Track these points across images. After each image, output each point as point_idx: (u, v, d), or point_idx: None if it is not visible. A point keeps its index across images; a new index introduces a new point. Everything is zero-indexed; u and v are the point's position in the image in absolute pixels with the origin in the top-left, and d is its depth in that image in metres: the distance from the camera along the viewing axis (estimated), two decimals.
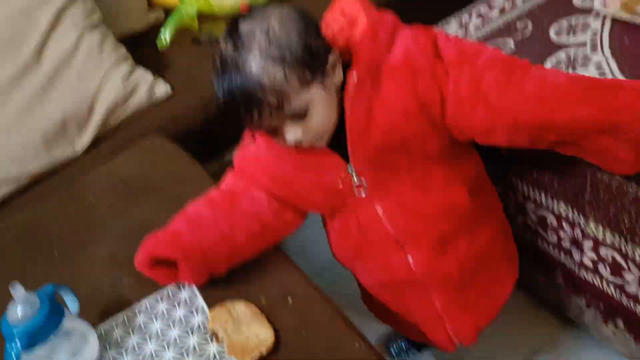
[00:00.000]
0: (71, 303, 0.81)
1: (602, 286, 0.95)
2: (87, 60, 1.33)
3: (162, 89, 1.38)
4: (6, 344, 0.72)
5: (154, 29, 1.63)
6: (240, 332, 0.76)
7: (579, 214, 0.91)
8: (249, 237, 0.84)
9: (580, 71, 1.00)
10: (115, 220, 1.04)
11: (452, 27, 1.26)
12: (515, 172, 0.99)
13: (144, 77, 1.37)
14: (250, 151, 0.86)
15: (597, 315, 1.01)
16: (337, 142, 0.78)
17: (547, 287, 1.10)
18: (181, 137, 1.30)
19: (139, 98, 1.35)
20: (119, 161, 1.21)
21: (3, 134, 1.27)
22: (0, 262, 1.04)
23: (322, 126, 0.76)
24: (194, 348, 0.77)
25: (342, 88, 0.76)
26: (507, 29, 1.17)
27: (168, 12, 1.69)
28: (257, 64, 0.70)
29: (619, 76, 0.96)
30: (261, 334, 0.75)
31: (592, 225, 0.89)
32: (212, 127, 1.32)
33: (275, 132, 0.76)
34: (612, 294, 0.94)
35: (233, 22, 0.73)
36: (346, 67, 0.76)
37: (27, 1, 1.33)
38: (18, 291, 0.73)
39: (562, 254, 1.01)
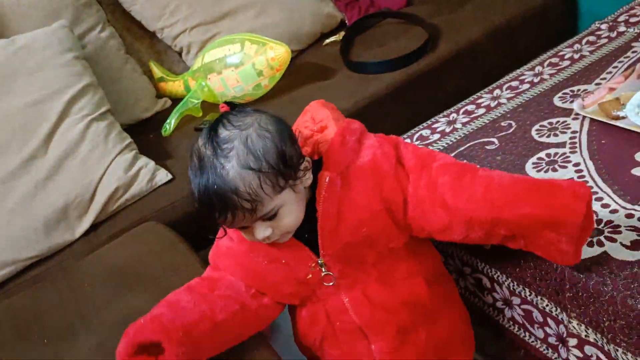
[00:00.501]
0: None
1: None
2: (92, 149, 1.40)
3: (162, 176, 1.43)
4: None
5: (160, 114, 1.72)
6: None
7: (561, 311, 0.92)
8: (230, 315, 0.87)
9: (561, 171, 1.04)
10: (109, 309, 1.06)
11: (440, 123, 1.32)
12: (500, 268, 1.01)
13: (146, 166, 1.43)
14: (224, 245, 0.91)
15: None
16: (308, 235, 0.84)
17: None
18: (179, 223, 1.34)
19: (140, 186, 1.40)
20: (115, 248, 1.25)
21: (6, 218, 1.31)
22: None
23: (291, 225, 0.82)
24: None
25: (311, 187, 0.83)
26: (492, 128, 1.23)
27: (174, 99, 1.78)
28: (234, 171, 0.75)
29: (597, 177, 1.00)
30: None
31: (574, 323, 0.90)
32: None
33: (244, 229, 0.81)
34: None
35: (214, 126, 0.79)
36: (315, 169, 0.83)
37: (41, 93, 1.42)
38: None
39: (550, 350, 1.01)
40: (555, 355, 0.99)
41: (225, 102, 0.85)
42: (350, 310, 0.90)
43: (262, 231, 0.80)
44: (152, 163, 1.45)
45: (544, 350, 1.02)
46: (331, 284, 0.88)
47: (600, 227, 0.90)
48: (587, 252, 0.87)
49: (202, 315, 0.86)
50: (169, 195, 1.42)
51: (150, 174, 1.41)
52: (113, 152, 1.41)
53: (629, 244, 0.86)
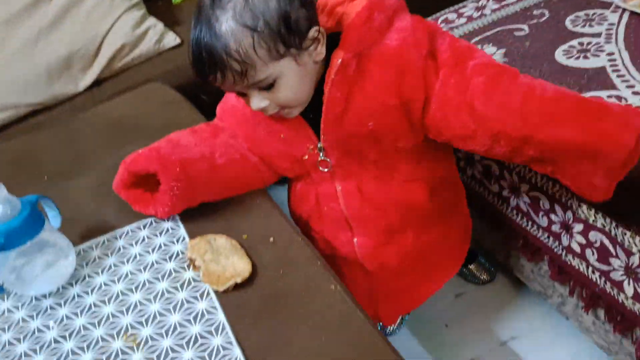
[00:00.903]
0: (53, 217, 0.80)
1: (587, 273, 0.94)
2: (99, 2, 1.33)
3: (171, 39, 1.37)
4: None
5: None
6: (218, 262, 0.75)
7: (572, 196, 0.90)
8: (229, 162, 0.84)
9: (592, 59, 0.99)
10: (107, 154, 1.03)
11: (468, 8, 1.25)
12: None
13: (154, 26, 1.37)
14: (230, 101, 0.86)
15: (579, 304, 1.00)
16: (314, 115, 0.77)
17: (532, 273, 1.09)
18: (185, 87, 1.29)
19: (147, 46, 1.35)
20: (119, 102, 1.21)
21: (8, 63, 1.27)
22: None
23: (289, 100, 0.73)
24: (170, 273, 0.76)
25: (325, 64, 0.74)
26: (523, 15, 1.17)
27: None
28: (227, 26, 0.67)
29: (630, 67, 0.95)
30: (239, 266, 0.74)
31: (584, 207, 0.88)
32: None
33: (242, 95, 0.75)
34: (597, 281, 0.93)
35: None
36: (331, 45, 0.73)
37: None
38: (0, 191, 0.72)
39: (551, 239, 1.00)
40: (556, 243, 0.98)
41: None
42: (340, 199, 0.86)
43: (257, 101, 0.72)
44: (160, 24, 1.39)
45: (545, 239, 1.01)
46: (327, 170, 0.83)
47: None
48: None
49: (201, 155, 0.82)
50: (176, 59, 1.37)
51: (158, 35, 1.36)
52: (121, 8, 1.34)
53: None
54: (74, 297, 0.76)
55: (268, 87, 0.71)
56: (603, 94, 0.91)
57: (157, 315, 0.71)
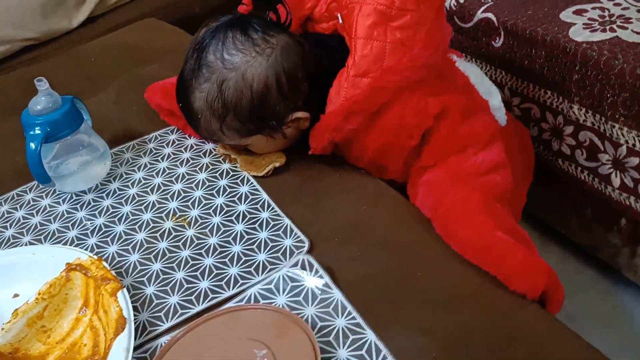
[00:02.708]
0: (87, 118, 0.83)
1: (577, 172, 1.04)
2: None
3: None
4: (26, 134, 0.73)
5: None
6: (251, 153, 0.79)
7: (563, 100, 0.99)
8: None
9: None
10: (119, 75, 1.06)
11: None
12: (504, 65, 1.06)
13: None
14: None
15: (569, 206, 1.10)
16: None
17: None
18: (178, 25, 1.31)
19: None
20: (119, 33, 1.22)
21: None
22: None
23: (263, 152, 0.78)
24: (207, 166, 0.80)
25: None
26: None
27: None
28: (199, 105, 0.70)
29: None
30: (272, 155, 0.78)
31: (575, 108, 0.97)
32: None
33: None
34: (585, 180, 1.03)
35: (204, 38, 0.69)
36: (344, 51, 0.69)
37: None
38: (43, 85, 0.74)
39: (541, 147, 1.08)
40: (547, 150, 1.07)
41: None
42: None
43: (227, 142, 0.76)
44: None
45: (535, 148, 1.09)
46: None
47: (612, 19, 0.95)
48: (599, 37, 0.92)
49: None
50: None
51: None
52: None
53: (639, 31, 0.91)
54: (114, 191, 0.79)
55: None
56: (587, 6, 1.00)
57: (202, 199, 0.75)
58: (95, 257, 0.65)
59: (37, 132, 0.73)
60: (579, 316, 1.06)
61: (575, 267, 1.18)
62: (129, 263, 0.68)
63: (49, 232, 0.74)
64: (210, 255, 0.67)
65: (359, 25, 0.67)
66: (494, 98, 0.83)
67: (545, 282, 0.58)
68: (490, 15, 1.04)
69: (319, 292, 0.59)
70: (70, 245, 0.71)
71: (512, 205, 0.74)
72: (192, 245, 0.68)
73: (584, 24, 0.96)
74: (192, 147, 0.85)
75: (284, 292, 0.60)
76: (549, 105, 1.02)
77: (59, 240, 0.72)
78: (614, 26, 0.93)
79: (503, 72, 1.08)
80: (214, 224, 0.71)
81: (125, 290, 0.61)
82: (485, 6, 1.06)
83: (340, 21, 0.74)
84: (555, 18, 0.98)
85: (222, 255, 0.67)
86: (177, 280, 0.64)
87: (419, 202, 0.69)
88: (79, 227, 0.74)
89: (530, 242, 0.65)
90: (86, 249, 0.69)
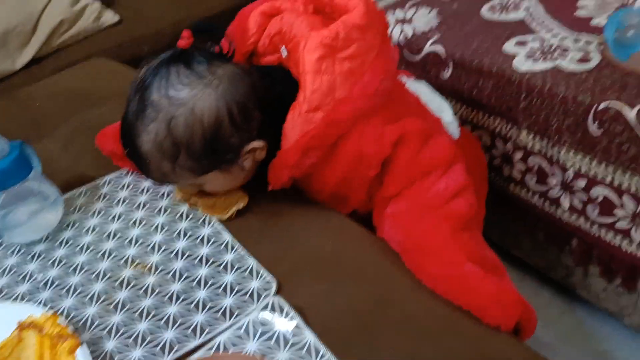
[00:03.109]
0: (36, 164, 0.79)
1: (528, 197, 1.07)
2: None
3: (109, 16, 1.37)
4: None
5: None
6: (210, 196, 0.77)
7: (512, 126, 1.02)
8: None
9: (512, 14, 1.12)
10: (67, 118, 1.02)
11: None
12: (454, 92, 1.09)
13: (91, 4, 1.36)
14: None
15: (521, 229, 1.13)
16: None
17: None
18: (127, 65, 1.29)
19: (86, 23, 1.34)
20: (65, 74, 1.19)
21: None
22: None
23: (220, 191, 0.75)
24: (165, 209, 0.78)
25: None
26: None
27: None
28: (148, 148, 0.66)
29: (546, 17, 1.10)
30: (233, 196, 0.77)
31: (523, 134, 1.01)
32: None
33: None
34: (536, 204, 1.06)
35: (145, 77, 0.66)
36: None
37: None
38: None
39: (492, 173, 1.11)
40: (499, 176, 1.10)
41: (193, 26, 0.68)
42: None
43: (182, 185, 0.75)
44: (97, 3, 1.38)
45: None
46: None
47: (551, 50, 1.00)
48: (541, 66, 0.96)
49: None
50: (116, 37, 1.36)
51: (96, 12, 1.35)
52: None
53: (577, 60, 0.96)
54: (68, 240, 0.75)
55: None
56: (527, 37, 1.04)
57: (162, 244, 0.72)
58: (50, 312, 0.62)
59: None
60: (539, 335, 1.08)
61: (532, 288, 1.21)
62: (86, 317, 0.64)
63: None
64: (174, 302, 0.64)
65: (306, 60, 0.67)
66: (445, 113, 0.84)
67: (519, 314, 0.58)
68: (437, 48, 1.08)
69: (291, 335, 0.58)
70: (22, 301, 0.67)
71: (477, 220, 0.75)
72: (154, 293, 0.66)
73: (526, 54, 1.00)
74: (148, 189, 0.82)
75: (254, 337, 0.59)
76: (499, 132, 1.06)
77: (8, 296, 0.68)
78: (554, 56, 0.98)
79: (453, 102, 1.11)
80: (176, 269, 0.69)
81: (84, 346, 0.58)
82: (433, 40, 1.09)
83: (285, 54, 0.74)
84: (499, 49, 1.02)
85: (187, 301, 0.64)
86: (140, 331, 0.62)
87: (386, 235, 0.69)
88: (30, 280, 0.70)
89: (500, 268, 0.66)
90: (39, 305, 0.66)
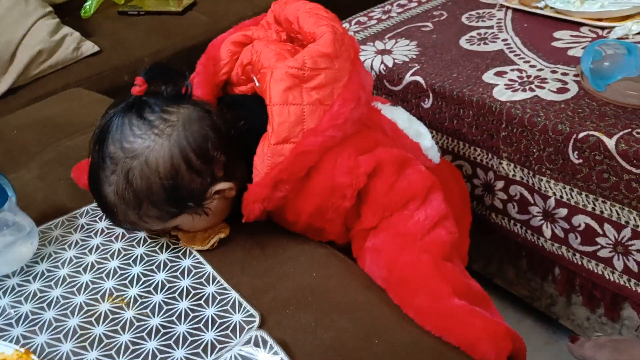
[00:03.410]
0: (11, 194, 0.77)
1: (510, 225, 1.07)
2: (11, 7, 1.29)
3: (89, 46, 1.36)
4: None
5: (77, 1, 1.62)
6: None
7: (493, 156, 1.03)
8: None
9: (491, 45, 1.15)
10: (43, 148, 1.00)
11: (376, 12, 1.38)
12: (433, 122, 1.10)
13: (71, 34, 1.36)
14: None
15: (505, 258, 1.13)
16: None
17: None
18: (106, 94, 1.28)
19: (65, 53, 1.32)
20: (42, 104, 1.17)
21: None
22: None
23: (194, 230, 0.74)
24: (145, 240, 0.76)
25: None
26: (425, 15, 1.33)
27: None
28: (112, 199, 0.66)
29: (523, 48, 1.12)
30: (217, 225, 0.75)
31: (504, 163, 1.01)
32: None
33: None
34: (518, 232, 1.06)
35: (102, 128, 0.66)
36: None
37: None
38: None
39: (474, 202, 1.12)
40: (480, 205, 1.10)
41: (145, 72, 0.68)
42: None
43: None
44: (77, 33, 1.37)
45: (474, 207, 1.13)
46: None
47: (530, 80, 1.01)
48: (521, 96, 0.98)
49: None
50: (95, 67, 1.35)
51: (75, 42, 1.34)
52: (34, 15, 1.31)
53: (555, 90, 0.98)
54: (42, 273, 0.73)
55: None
56: (506, 68, 1.06)
57: (141, 276, 0.70)
58: (22, 349, 0.59)
59: None
60: None
61: (514, 317, 1.20)
62: (61, 354, 0.62)
63: None
64: (152, 338, 0.62)
65: (273, 92, 0.66)
66: (424, 138, 0.82)
67: (509, 348, 0.57)
68: (418, 78, 1.09)
69: None
70: None
71: (459, 249, 0.74)
72: (132, 328, 0.64)
73: (505, 84, 1.01)
74: None
75: None
76: (480, 161, 1.06)
77: None
78: (533, 86, 1.00)
79: (434, 132, 1.12)
80: (155, 303, 0.67)
81: None
82: (413, 70, 1.11)
83: (257, 84, 0.73)
84: (479, 79, 1.04)
85: (166, 337, 0.62)
86: None
87: (368, 268, 0.68)
88: (2, 316, 0.67)
89: (486, 299, 0.65)
90: (11, 341, 0.63)
